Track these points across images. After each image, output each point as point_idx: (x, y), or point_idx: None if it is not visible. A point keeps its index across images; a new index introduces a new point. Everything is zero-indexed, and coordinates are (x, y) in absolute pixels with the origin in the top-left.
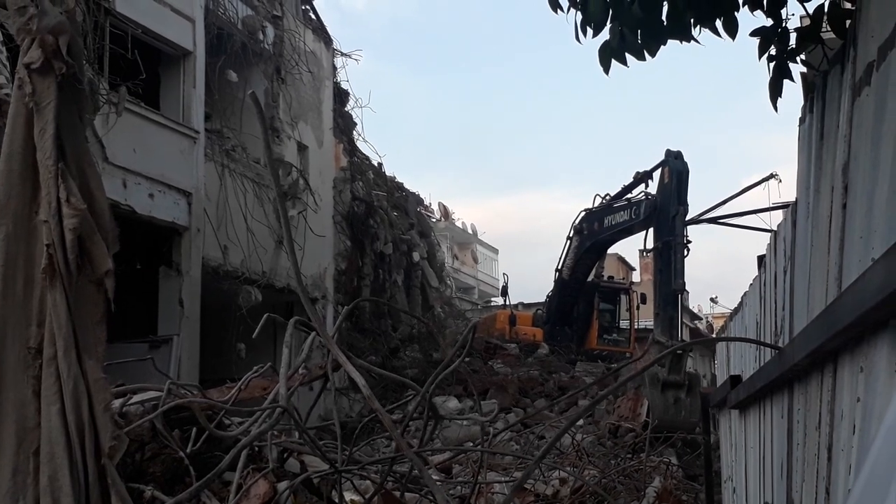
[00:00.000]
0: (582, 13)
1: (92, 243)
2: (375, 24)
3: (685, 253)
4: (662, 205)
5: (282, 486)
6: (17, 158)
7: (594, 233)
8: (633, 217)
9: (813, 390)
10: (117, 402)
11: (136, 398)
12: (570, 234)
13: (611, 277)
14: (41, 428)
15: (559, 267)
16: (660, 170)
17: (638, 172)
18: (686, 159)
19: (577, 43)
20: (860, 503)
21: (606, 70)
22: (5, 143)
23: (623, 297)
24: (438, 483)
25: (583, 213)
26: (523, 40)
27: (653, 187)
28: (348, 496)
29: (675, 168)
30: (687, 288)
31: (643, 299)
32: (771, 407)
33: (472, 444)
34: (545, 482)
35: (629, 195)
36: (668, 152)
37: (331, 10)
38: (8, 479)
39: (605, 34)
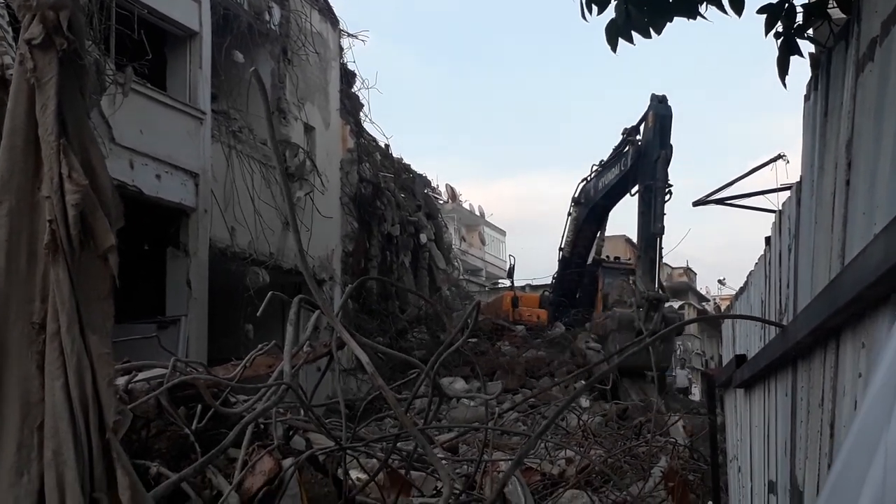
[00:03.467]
0: None
1: (94, 219)
2: (382, 5)
3: (667, 197)
4: (646, 149)
5: (287, 462)
6: (20, 134)
7: (591, 199)
8: (623, 169)
9: (816, 367)
10: (123, 380)
11: (141, 375)
12: (570, 210)
13: (616, 258)
14: (45, 403)
15: (562, 246)
16: (646, 118)
17: (626, 129)
18: (694, 140)
19: (584, 21)
20: (852, 452)
21: (613, 48)
22: (7, 119)
23: (629, 278)
24: (443, 461)
25: (581, 185)
26: (531, 20)
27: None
28: (354, 474)
29: (658, 112)
30: (695, 270)
31: None
32: (775, 385)
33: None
34: (551, 462)
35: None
36: (653, 97)
37: None
38: (13, 453)
39: (610, 12)
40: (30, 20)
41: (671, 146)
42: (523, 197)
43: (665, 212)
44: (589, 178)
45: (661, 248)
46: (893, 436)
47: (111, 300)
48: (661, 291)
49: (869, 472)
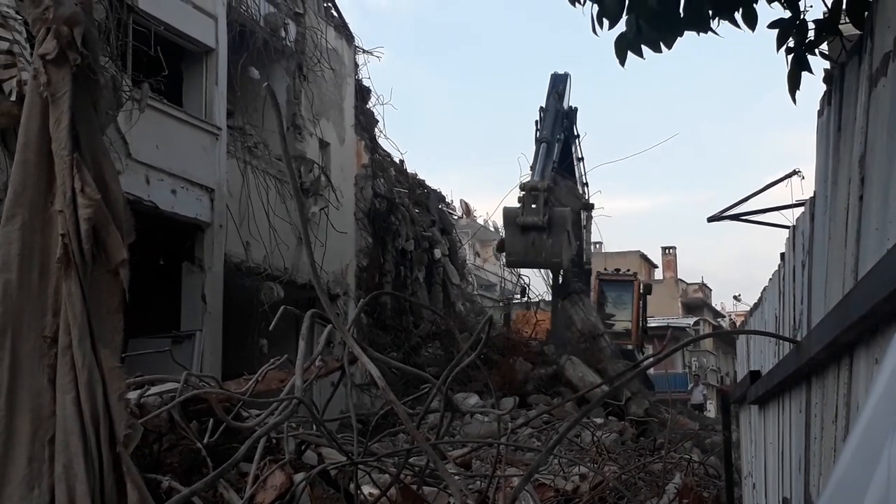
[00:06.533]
0: (598, 5)
1: (107, 233)
2: (398, 22)
3: (555, 121)
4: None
5: (299, 477)
6: (33, 148)
7: None
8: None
9: (830, 383)
10: (135, 394)
11: (154, 389)
12: None
13: (616, 270)
14: (56, 416)
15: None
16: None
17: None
18: (709, 155)
19: (594, 35)
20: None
21: (622, 62)
22: (21, 134)
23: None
24: (456, 477)
25: None
26: (544, 34)
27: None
28: (366, 489)
29: (552, 75)
30: (711, 286)
31: (648, 290)
32: (789, 401)
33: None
34: (565, 478)
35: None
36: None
37: (353, 7)
38: (23, 466)
39: (621, 26)
40: (44, 35)
41: (569, 107)
42: None
43: (551, 126)
44: None
45: (549, 152)
46: None
47: (121, 314)
48: (547, 181)
49: (870, 485)
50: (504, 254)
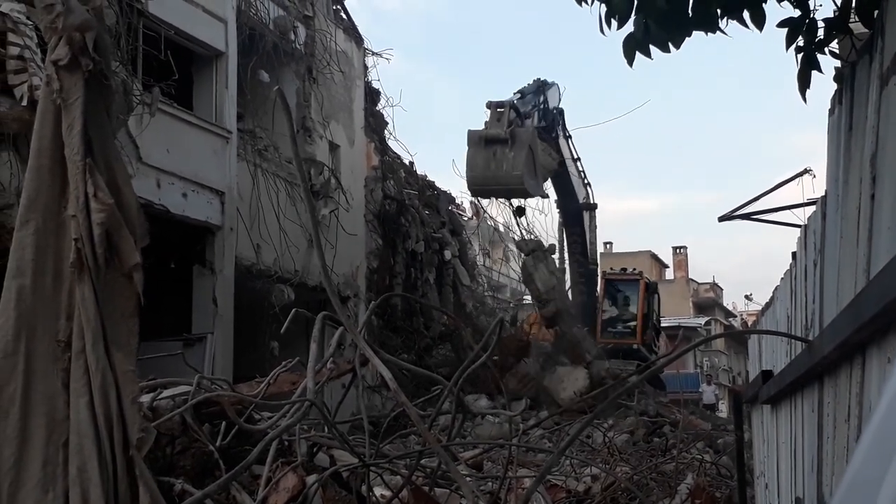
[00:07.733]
0: (606, 5)
1: (120, 237)
2: (409, 24)
3: (536, 91)
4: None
5: (311, 479)
6: (47, 154)
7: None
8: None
9: (842, 383)
10: (148, 397)
11: (166, 392)
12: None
13: (623, 269)
14: (70, 420)
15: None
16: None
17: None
18: (720, 154)
19: (602, 35)
20: (864, 463)
21: (630, 62)
22: (34, 139)
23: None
24: (467, 478)
25: None
26: (555, 37)
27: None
28: (378, 491)
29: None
30: (722, 285)
31: (655, 288)
32: (802, 401)
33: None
34: (577, 479)
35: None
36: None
37: (363, 10)
38: (38, 470)
39: (629, 26)
40: (56, 42)
41: (556, 108)
42: (548, 212)
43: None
44: None
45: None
46: None
47: (136, 318)
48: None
49: (883, 485)
50: (466, 173)
